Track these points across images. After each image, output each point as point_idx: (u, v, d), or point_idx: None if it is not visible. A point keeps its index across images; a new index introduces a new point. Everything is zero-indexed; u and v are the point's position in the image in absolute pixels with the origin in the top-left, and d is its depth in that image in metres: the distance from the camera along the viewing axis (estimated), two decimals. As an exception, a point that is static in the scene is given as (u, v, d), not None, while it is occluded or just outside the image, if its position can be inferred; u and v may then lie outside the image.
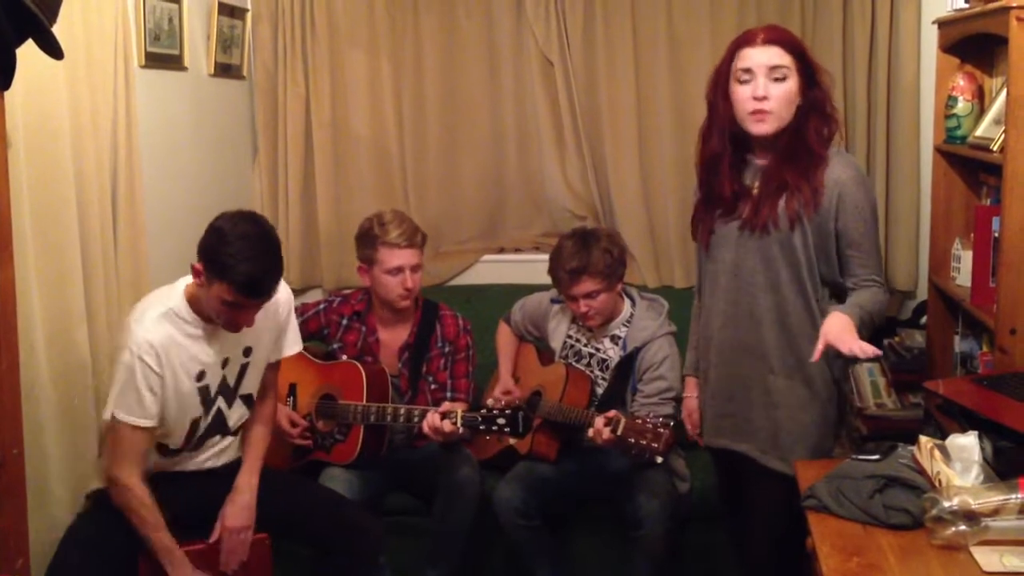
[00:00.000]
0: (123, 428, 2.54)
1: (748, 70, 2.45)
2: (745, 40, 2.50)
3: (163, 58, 3.37)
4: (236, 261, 2.44)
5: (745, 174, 2.58)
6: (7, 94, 2.09)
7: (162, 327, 2.56)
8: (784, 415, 2.56)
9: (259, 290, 2.51)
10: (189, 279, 2.63)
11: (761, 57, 2.44)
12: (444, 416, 3.00)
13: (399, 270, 3.23)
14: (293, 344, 2.90)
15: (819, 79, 2.51)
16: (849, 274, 2.53)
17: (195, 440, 2.71)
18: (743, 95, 2.47)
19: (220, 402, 2.72)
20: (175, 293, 2.62)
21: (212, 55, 3.76)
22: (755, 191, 2.54)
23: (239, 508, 2.73)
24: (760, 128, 2.47)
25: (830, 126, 2.53)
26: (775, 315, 2.54)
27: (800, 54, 2.48)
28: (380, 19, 4.14)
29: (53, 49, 2.00)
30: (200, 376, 2.64)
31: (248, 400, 2.80)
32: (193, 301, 2.60)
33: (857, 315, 2.39)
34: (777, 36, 2.48)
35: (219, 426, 2.75)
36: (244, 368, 2.74)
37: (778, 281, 2.52)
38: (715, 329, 2.65)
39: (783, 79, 2.44)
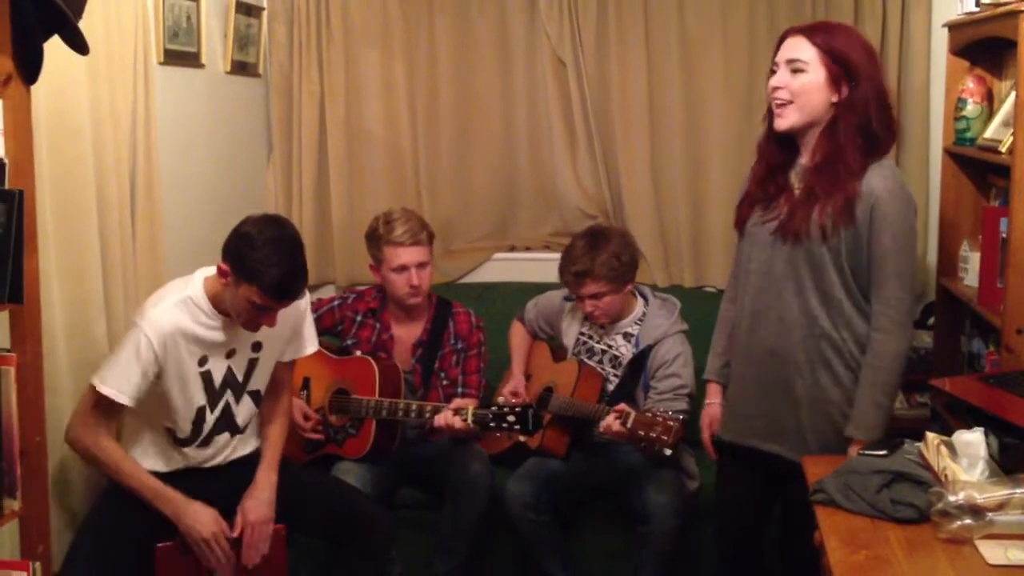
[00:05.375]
0: (100, 396, 2.55)
1: (775, 63, 2.47)
2: (782, 35, 2.50)
3: (181, 55, 3.41)
4: (265, 266, 2.49)
5: (792, 172, 2.53)
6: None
7: (176, 314, 2.60)
8: (814, 417, 2.52)
9: (288, 293, 2.56)
10: (207, 271, 2.67)
11: (785, 50, 2.45)
12: (456, 413, 3.04)
13: (404, 268, 3.26)
14: (310, 344, 2.94)
15: (866, 75, 2.40)
16: (872, 301, 2.45)
17: (203, 434, 2.73)
18: (768, 88, 2.49)
19: (228, 396, 2.74)
20: (194, 283, 2.66)
21: (229, 53, 3.80)
22: (796, 192, 2.49)
23: (259, 503, 2.75)
24: (778, 123, 2.45)
25: (871, 127, 2.40)
26: (804, 319, 2.48)
27: (833, 49, 2.39)
28: (394, 19, 4.17)
29: (79, 45, 2.03)
30: (202, 361, 2.67)
31: (256, 396, 2.82)
32: (212, 294, 2.64)
33: (879, 429, 2.42)
34: (808, 28, 2.45)
35: (227, 422, 2.77)
36: (253, 363, 2.77)
37: (806, 290, 2.47)
38: (743, 331, 2.61)
39: (801, 71, 2.40)
